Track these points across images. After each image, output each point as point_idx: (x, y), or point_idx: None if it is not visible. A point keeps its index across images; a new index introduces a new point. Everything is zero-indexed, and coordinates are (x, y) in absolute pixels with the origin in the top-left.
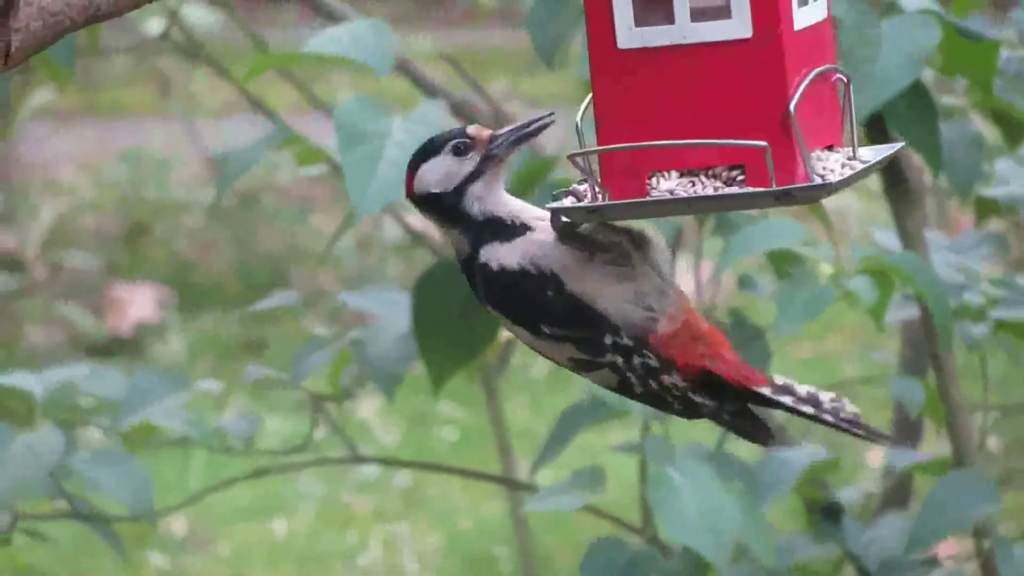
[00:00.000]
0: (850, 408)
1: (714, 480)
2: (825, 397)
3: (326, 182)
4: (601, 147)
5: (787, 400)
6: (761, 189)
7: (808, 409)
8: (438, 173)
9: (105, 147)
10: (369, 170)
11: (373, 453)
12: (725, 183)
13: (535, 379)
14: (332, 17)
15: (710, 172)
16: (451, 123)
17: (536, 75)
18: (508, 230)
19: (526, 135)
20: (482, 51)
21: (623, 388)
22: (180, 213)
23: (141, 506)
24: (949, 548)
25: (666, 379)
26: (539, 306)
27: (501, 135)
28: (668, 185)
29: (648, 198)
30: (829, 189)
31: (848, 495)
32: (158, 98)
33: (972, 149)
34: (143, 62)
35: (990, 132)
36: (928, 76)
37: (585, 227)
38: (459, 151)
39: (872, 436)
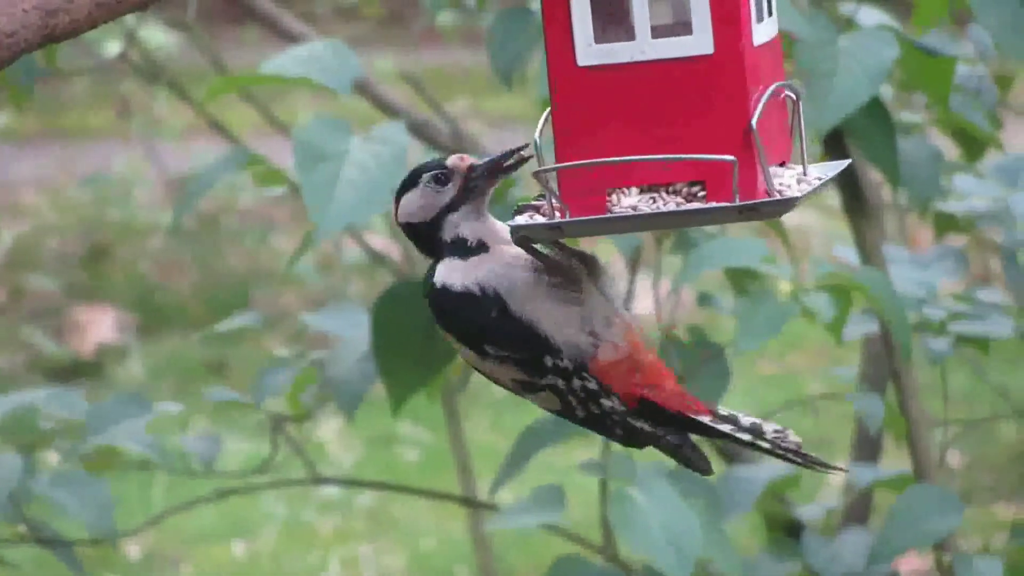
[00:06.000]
0: (792, 439)
1: (676, 497)
2: (768, 428)
3: (287, 203)
4: (567, 163)
5: (726, 428)
6: (726, 204)
7: (746, 437)
8: (416, 204)
9: (66, 169)
10: (328, 190)
11: (333, 474)
12: (686, 199)
13: (497, 398)
14: (293, 38)
15: (670, 188)
16: (410, 143)
17: (497, 95)
18: (464, 251)
19: (505, 168)
20: (444, 71)
21: (566, 411)
22: (142, 235)
23: (103, 528)
24: (911, 563)
25: (605, 403)
26: (483, 327)
27: (480, 166)
28: (629, 201)
29: (609, 214)
30: (793, 203)
31: (809, 511)
32: (120, 121)
33: (931, 164)
34: (104, 85)
35: (949, 148)
36: (887, 92)
37: (542, 244)
38: (438, 181)
39: (813, 465)
